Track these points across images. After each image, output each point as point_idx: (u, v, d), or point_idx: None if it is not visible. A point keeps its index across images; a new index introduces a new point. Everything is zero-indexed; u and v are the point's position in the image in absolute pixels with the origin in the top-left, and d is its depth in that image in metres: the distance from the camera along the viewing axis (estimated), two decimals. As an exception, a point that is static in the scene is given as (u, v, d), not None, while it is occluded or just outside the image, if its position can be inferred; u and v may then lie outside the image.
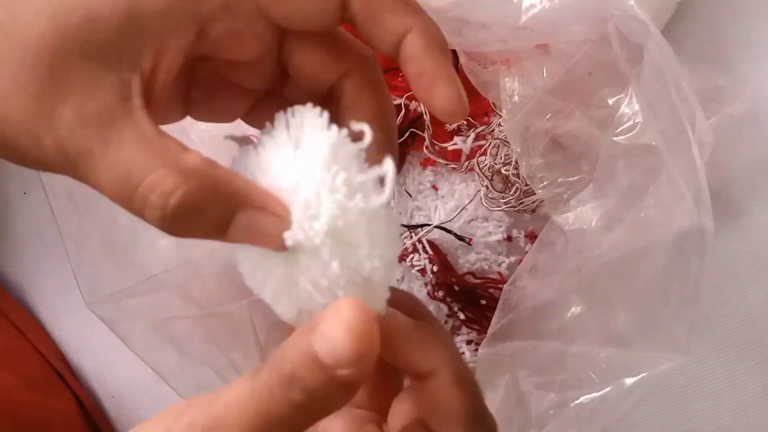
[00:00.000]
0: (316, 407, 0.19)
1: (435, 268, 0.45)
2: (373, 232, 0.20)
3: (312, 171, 0.20)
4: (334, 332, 0.18)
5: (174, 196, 0.18)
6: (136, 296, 0.41)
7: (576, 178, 0.39)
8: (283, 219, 0.20)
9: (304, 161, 0.20)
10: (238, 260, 0.23)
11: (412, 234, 0.46)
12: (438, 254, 0.45)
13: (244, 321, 0.43)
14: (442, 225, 0.45)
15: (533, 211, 0.46)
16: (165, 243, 0.45)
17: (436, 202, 0.47)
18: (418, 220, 0.47)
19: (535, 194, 0.44)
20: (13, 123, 0.19)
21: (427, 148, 0.46)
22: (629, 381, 0.33)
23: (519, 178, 0.44)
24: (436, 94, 0.21)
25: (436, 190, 0.48)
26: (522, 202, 0.44)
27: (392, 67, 0.48)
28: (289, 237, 0.20)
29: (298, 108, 0.22)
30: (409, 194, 0.48)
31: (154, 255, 0.44)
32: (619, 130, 0.35)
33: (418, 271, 0.45)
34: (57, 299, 0.61)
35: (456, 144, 0.46)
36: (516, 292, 0.41)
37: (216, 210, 0.19)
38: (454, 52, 0.46)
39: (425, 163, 0.48)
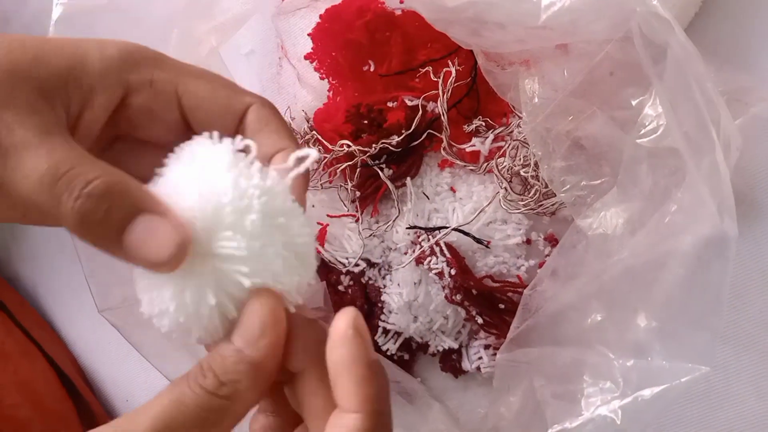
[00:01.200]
0: (227, 392, 0.21)
1: (453, 272, 0.45)
2: (280, 229, 0.23)
3: (214, 179, 0.23)
4: (246, 320, 0.22)
5: (94, 182, 0.21)
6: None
7: (599, 181, 0.39)
8: (181, 229, 0.22)
9: (203, 173, 0.23)
10: (138, 288, 0.25)
11: (430, 236, 0.46)
12: (456, 257, 0.45)
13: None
14: (461, 227, 0.45)
15: (553, 213, 0.46)
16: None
17: (454, 204, 0.48)
18: (435, 222, 0.48)
19: (555, 196, 0.44)
20: None
21: (444, 149, 0.47)
22: (649, 392, 0.32)
23: (538, 180, 0.44)
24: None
25: (454, 192, 0.48)
26: (541, 205, 0.44)
27: (409, 68, 0.48)
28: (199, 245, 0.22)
29: (195, 138, 0.25)
30: (427, 196, 0.48)
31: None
32: (642, 132, 0.34)
33: (435, 274, 0.46)
34: (72, 302, 0.62)
35: (474, 145, 0.46)
36: (536, 297, 0.41)
37: (122, 207, 0.22)
38: (471, 53, 0.46)
39: (442, 164, 0.49)
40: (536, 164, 0.44)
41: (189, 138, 0.26)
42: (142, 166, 0.27)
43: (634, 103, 0.35)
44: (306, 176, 0.26)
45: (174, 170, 0.24)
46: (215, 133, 0.24)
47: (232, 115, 0.27)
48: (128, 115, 0.26)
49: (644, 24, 0.31)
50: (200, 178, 0.23)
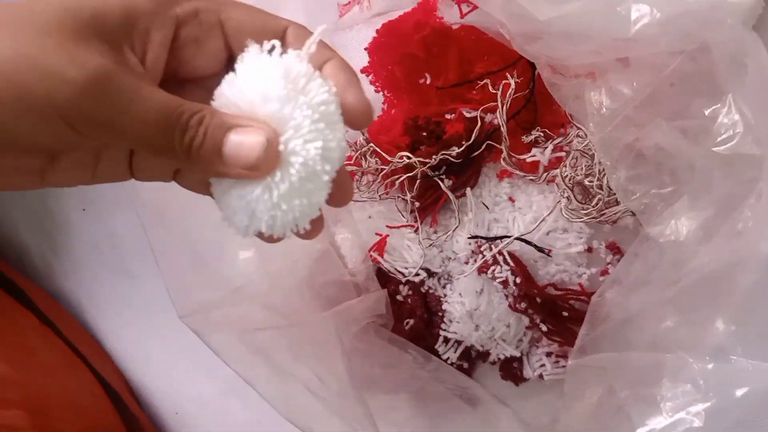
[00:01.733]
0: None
1: (518, 280, 0.46)
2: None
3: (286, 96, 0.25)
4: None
5: (196, 115, 0.25)
6: (224, 307, 0.43)
7: (668, 190, 0.40)
8: (265, 130, 0.25)
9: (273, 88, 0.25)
10: (214, 191, 0.27)
11: (492, 246, 0.48)
12: (520, 266, 0.46)
13: (328, 332, 0.45)
14: (523, 237, 0.47)
15: (614, 222, 0.47)
16: (246, 255, 0.48)
17: (514, 214, 0.49)
18: (495, 231, 0.49)
19: (617, 205, 0.45)
20: (43, 66, 0.23)
21: (504, 160, 0.48)
22: (733, 394, 0.34)
23: (602, 190, 0.45)
24: (348, 100, 0.27)
25: (513, 201, 0.50)
26: (604, 213, 0.46)
27: (466, 80, 0.50)
28: (283, 142, 0.25)
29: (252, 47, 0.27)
30: (486, 206, 0.50)
31: (237, 268, 0.47)
32: (717, 140, 0.36)
33: (499, 282, 0.47)
34: (116, 315, 0.63)
35: (534, 156, 0.48)
36: (605, 304, 0.42)
37: (217, 128, 0.25)
38: (528, 65, 0.48)
39: (501, 175, 0.50)
40: (599, 173, 0.45)
41: (230, 68, 0.28)
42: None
43: (707, 112, 0.37)
44: (346, 65, 0.28)
45: (232, 85, 0.26)
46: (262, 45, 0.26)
47: (272, 35, 0.28)
48: (177, 49, 0.28)
49: (725, 35, 0.32)
50: (255, 85, 0.25)
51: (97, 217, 0.63)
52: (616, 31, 0.33)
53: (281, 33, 0.29)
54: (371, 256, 0.52)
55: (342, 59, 0.29)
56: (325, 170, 0.25)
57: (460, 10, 0.46)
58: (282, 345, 0.43)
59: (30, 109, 0.23)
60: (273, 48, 0.26)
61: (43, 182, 0.28)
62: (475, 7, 0.47)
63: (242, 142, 0.25)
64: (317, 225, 0.29)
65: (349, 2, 0.50)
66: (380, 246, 0.52)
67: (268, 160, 0.25)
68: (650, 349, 0.38)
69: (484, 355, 0.50)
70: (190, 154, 0.25)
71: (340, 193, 0.29)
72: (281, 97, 0.25)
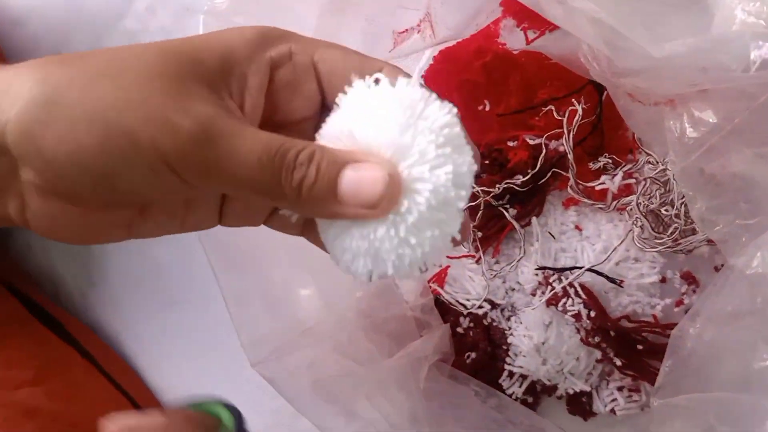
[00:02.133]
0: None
1: (592, 313, 0.45)
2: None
3: (416, 129, 0.23)
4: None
5: (304, 151, 0.23)
6: (295, 351, 0.42)
7: (754, 220, 0.39)
8: (384, 163, 0.23)
9: (400, 120, 0.23)
10: (323, 234, 0.26)
11: (562, 278, 0.46)
12: (593, 298, 0.45)
13: (399, 376, 0.43)
14: (593, 267, 0.45)
15: (690, 251, 0.46)
16: (308, 292, 0.46)
17: (582, 243, 0.48)
18: (563, 262, 0.48)
19: (694, 234, 0.44)
20: (148, 112, 0.22)
21: (571, 187, 0.47)
22: None
23: (679, 219, 0.44)
24: None
25: (580, 230, 0.48)
26: (680, 243, 0.44)
27: (528, 106, 0.49)
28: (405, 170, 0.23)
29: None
30: (552, 236, 0.48)
31: (302, 307, 0.45)
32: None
33: (571, 316, 0.46)
34: (157, 348, 0.61)
35: (603, 183, 0.47)
36: (687, 339, 0.41)
37: (330, 164, 0.23)
38: (594, 90, 0.47)
39: (567, 203, 0.49)
40: (673, 202, 0.44)
41: (324, 113, 0.27)
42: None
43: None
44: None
45: (339, 119, 0.25)
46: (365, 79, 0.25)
47: (367, 75, 0.27)
48: (272, 92, 0.27)
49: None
50: (367, 116, 0.24)
51: (137, 248, 0.62)
52: (732, 71, 0.31)
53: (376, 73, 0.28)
54: (431, 287, 0.50)
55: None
56: (459, 196, 0.23)
57: (526, 36, 0.45)
58: (353, 390, 0.42)
59: (136, 158, 0.22)
60: (378, 81, 0.25)
61: (129, 234, 0.27)
62: (543, 33, 0.46)
63: (361, 178, 0.23)
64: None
65: (406, 30, 0.49)
66: (440, 277, 0.51)
67: (391, 196, 0.23)
68: (744, 389, 0.36)
69: (550, 389, 0.49)
70: (300, 195, 0.23)
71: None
72: (400, 124, 0.23)
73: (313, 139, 0.28)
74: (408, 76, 0.27)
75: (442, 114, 0.24)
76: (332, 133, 0.25)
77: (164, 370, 0.62)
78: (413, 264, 0.24)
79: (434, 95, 0.24)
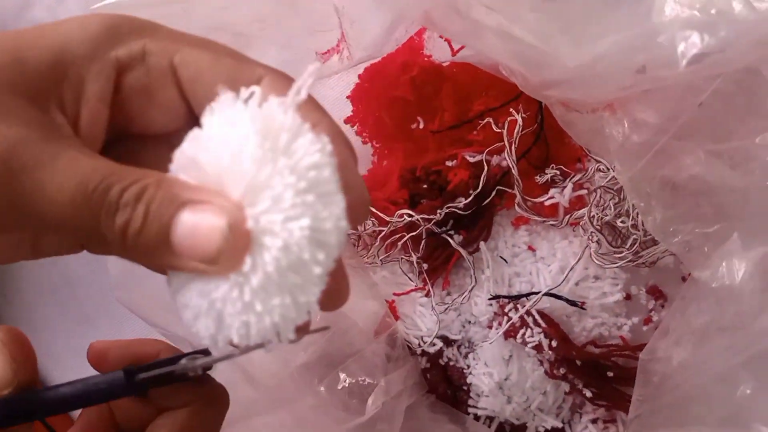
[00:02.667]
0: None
1: (554, 343, 0.41)
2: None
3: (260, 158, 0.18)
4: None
5: (131, 188, 0.19)
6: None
7: (715, 228, 0.35)
8: (226, 208, 0.19)
9: (243, 149, 0.19)
10: (168, 281, 0.21)
11: (518, 306, 0.42)
12: (554, 326, 0.41)
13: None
14: (552, 291, 0.41)
15: (653, 263, 0.42)
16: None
17: (537, 265, 0.44)
18: (519, 287, 0.44)
19: (656, 245, 0.40)
20: None
21: (519, 205, 0.43)
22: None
23: (637, 230, 0.40)
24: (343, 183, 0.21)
25: (533, 251, 0.44)
26: (641, 256, 0.41)
27: (465, 120, 0.45)
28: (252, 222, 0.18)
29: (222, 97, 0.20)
30: (504, 260, 0.44)
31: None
32: (776, 172, 0.31)
33: (532, 348, 0.41)
34: (73, 364, 0.57)
35: (553, 197, 0.43)
36: (658, 364, 0.37)
37: (161, 205, 0.19)
38: (541, 103, 0.43)
39: (517, 222, 0.45)
40: (629, 212, 0.40)
41: (191, 126, 0.22)
42: (149, 164, 0.24)
43: (757, 139, 0.32)
44: (343, 139, 0.22)
45: (196, 142, 0.20)
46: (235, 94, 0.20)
47: (239, 90, 0.22)
48: (122, 100, 0.22)
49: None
50: (225, 142, 0.19)
51: (51, 259, 0.59)
52: (662, 67, 0.28)
53: (254, 84, 0.22)
54: (388, 322, 0.46)
55: (334, 125, 0.22)
56: (317, 259, 0.19)
57: (451, 47, 0.42)
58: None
59: None
60: (251, 95, 0.20)
61: None
62: (467, 41, 0.42)
63: (197, 227, 0.18)
64: (303, 331, 0.21)
65: (328, 51, 0.45)
66: (393, 313, 0.46)
67: (233, 251, 0.18)
68: (724, 423, 0.32)
69: (520, 429, 0.44)
70: (126, 242, 0.19)
71: (332, 290, 0.21)
72: (256, 158, 0.18)
73: None
74: (292, 85, 0.21)
75: (312, 150, 0.19)
76: (187, 159, 0.20)
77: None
78: (261, 333, 0.19)
79: (307, 125, 0.20)
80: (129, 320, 0.44)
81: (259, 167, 0.18)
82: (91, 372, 0.59)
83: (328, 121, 0.22)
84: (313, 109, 0.22)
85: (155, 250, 0.19)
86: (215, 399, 0.25)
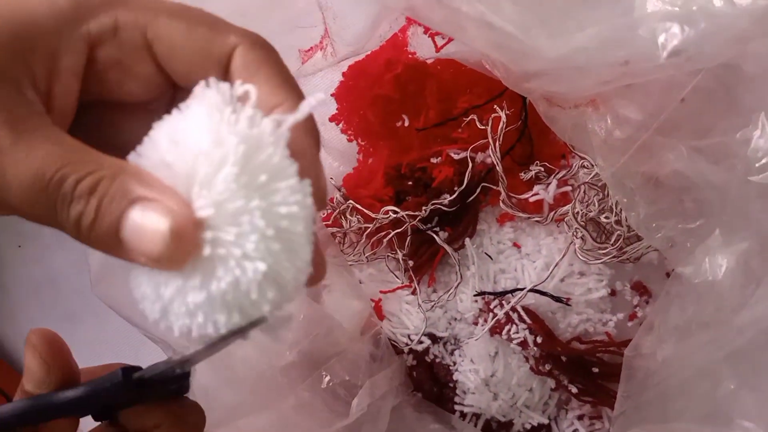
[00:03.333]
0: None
1: (538, 339, 0.41)
2: (260, 191, 0.18)
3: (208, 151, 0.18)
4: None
5: (86, 179, 0.18)
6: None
7: (697, 224, 0.36)
8: (175, 210, 0.18)
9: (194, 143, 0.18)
10: (132, 284, 0.20)
11: (503, 303, 0.42)
12: (538, 322, 0.41)
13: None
14: (536, 287, 0.42)
15: (637, 259, 0.42)
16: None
17: (522, 262, 0.44)
18: (504, 284, 0.44)
19: (639, 241, 0.41)
20: None
21: (503, 201, 0.43)
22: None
23: (620, 225, 0.40)
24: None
25: (518, 248, 0.45)
26: (625, 251, 0.41)
27: (449, 118, 0.45)
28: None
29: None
30: (489, 256, 0.44)
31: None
32: (756, 166, 0.31)
33: (517, 344, 0.42)
34: None
35: (538, 194, 0.43)
36: (642, 360, 0.37)
37: (112, 200, 0.19)
38: (517, 94, 0.43)
39: (502, 219, 0.45)
40: (614, 208, 0.41)
41: (172, 94, 0.22)
42: (126, 131, 0.24)
43: (738, 135, 0.32)
44: (311, 127, 0.21)
45: (160, 129, 0.20)
46: (212, 80, 0.20)
47: (213, 62, 0.22)
48: (97, 73, 0.22)
49: (762, 49, 0.28)
50: (180, 133, 0.19)
51: (34, 255, 0.59)
52: (643, 59, 0.28)
53: (225, 58, 0.22)
54: (373, 321, 0.46)
55: (296, 107, 0.21)
56: (266, 298, 0.18)
57: (435, 43, 0.42)
58: None
59: None
60: (244, 97, 0.19)
61: None
62: (452, 39, 0.42)
63: (143, 225, 0.18)
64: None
65: (312, 48, 0.45)
66: (377, 312, 0.46)
67: (176, 254, 0.18)
68: (709, 419, 0.33)
69: (507, 426, 0.45)
70: (80, 234, 0.19)
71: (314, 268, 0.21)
72: (229, 188, 0.18)
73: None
74: (262, 60, 0.21)
75: (291, 200, 0.18)
76: (150, 151, 0.19)
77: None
78: (202, 339, 0.19)
79: (294, 168, 0.19)
80: (112, 318, 0.44)
81: (230, 197, 0.18)
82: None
83: (292, 101, 0.21)
84: (280, 85, 0.22)
85: (107, 244, 0.19)
86: (188, 417, 0.24)
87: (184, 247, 0.18)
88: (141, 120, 0.22)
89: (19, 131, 0.19)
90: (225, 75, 0.22)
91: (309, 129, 0.22)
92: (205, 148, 0.18)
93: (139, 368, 0.22)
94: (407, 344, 0.45)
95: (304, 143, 0.21)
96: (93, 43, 0.21)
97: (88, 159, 0.19)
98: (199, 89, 0.20)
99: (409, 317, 0.46)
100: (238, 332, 0.19)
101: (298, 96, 0.22)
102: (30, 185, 0.18)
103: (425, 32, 0.43)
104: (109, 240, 0.19)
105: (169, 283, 0.18)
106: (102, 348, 0.55)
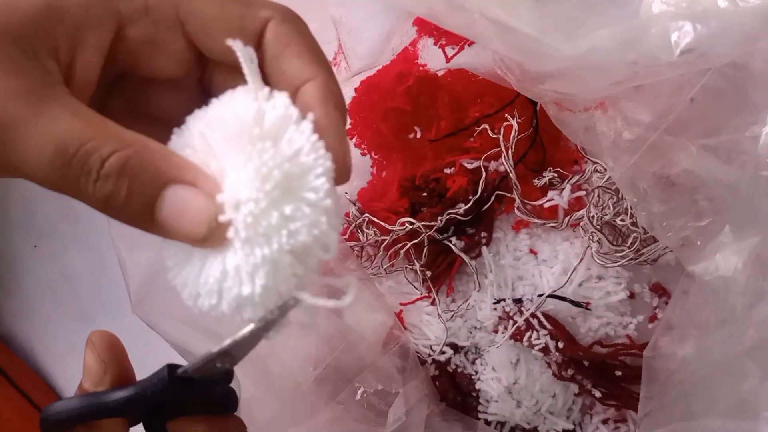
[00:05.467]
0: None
1: (560, 344, 0.42)
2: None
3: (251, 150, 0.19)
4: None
5: (112, 158, 0.19)
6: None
7: (708, 221, 0.37)
8: (214, 199, 0.19)
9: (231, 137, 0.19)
10: (165, 256, 0.22)
11: (522, 309, 0.44)
12: (559, 327, 0.42)
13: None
14: (555, 293, 0.43)
15: (654, 260, 0.43)
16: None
17: (539, 268, 0.45)
18: (522, 291, 0.45)
19: (655, 242, 0.42)
20: None
21: (518, 208, 0.44)
22: None
23: (636, 227, 0.41)
24: (327, 146, 0.21)
25: (535, 254, 0.46)
26: (642, 253, 0.42)
27: (461, 128, 0.47)
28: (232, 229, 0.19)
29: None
30: (507, 264, 0.46)
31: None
32: (767, 161, 0.32)
33: (539, 350, 0.43)
34: (72, 361, 0.59)
35: (552, 200, 0.44)
36: (662, 360, 0.38)
37: (145, 183, 0.19)
38: (528, 102, 0.45)
39: (517, 226, 0.46)
40: (628, 210, 0.42)
41: (204, 68, 0.23)
42: (154, 105, 0.25)
43: (747, 133, 0.33)
44: (338, 102, 0.22)
45: (198, 118, 0.21)
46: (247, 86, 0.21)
47: (247, 38, 0.22)
48: (127, 49, 0.23)
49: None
50: (220, 126, 0.20)
51: (50, 254, 0.60)
52: (655, 57, 0.29)
53: (258, 33, 0.22)
54: (395, 333, 0.47)
55: (327, 83, 0.22)
56: (255, 311, 0.20)
57: (445, 53, 0.43)
58: None
59: None
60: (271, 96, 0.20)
61: None
62: (462, 49, 0.44)
63: (184, 208, 0.19)
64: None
65: (321, 63, 0.47)
66: (401, 324, 0.48)
67: (218, 234, 0.19)
68: (733, 414, 0.33)
69: (532, 433, 0.46)
70: (107, 210, 0.19)
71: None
72: (270, 199, 0.19)
73: (196, 93, 0.24)
74: (297, 32, 0.22)
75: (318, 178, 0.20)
76: (188, 137, 0.21)
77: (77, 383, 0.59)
78: (240, 315, 0.20)
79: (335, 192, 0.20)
80: (126, 316, 0.45)
81: (259, 192, 0.19)
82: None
83: (323, 76, 0.22)
84: (310, 59, 0.22)
85: (138, 222, 0.20)
86: (231, 430, 0.26)
87: (225, 227, 0.19)
88: (170, 94, 0.24)
89: (37, 101, 0.19)
90: (257, 48, 0.22)
91: (337, 104, 0.22)
92: (239, 139, 0.20)
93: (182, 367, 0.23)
94: (429, 355, 0.46)
95: (331, 118, 0.22)
96: (122, 22, 0.22)
97: (111, 134, 0.19)
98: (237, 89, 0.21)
99: (430, 328, 0.47)
100: (275, 319, 0.20)
101: (327, 70, 0.22)
102: (51, 159, 0.19)
103: (435, 43, 0.45)
104: (142, 219, 0.20)
105: (209, 259, 0.20)
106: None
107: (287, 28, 0.22)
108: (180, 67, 0.24)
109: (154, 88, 0.24)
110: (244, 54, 0.20)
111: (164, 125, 0.24)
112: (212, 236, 0.19)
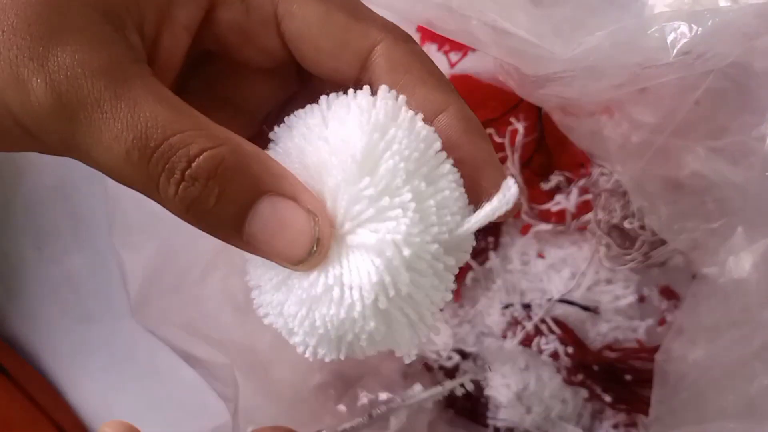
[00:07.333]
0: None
1: (569, 349, 0.43)
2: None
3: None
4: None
5: (202, 157, 0.17)
6: None
7: (719, 223, 0.37)
8: (317, 218, 0.18)
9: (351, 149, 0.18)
10: (250, 276, 0.21)
11: (531, 314, 0.44)
12: (569, 332, 0.43)
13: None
14: (564, 297, 0.43)
15: (663, 263, 0.44)
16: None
17: (548, 272, 0.46)
18: (531, 295, 0.46)
19: (664, 245, 0.42)
20: (5, 68, 0.17)
21: (525, 213, 0.45)
22: None
23: (644, 230, 0.42)
24: (486, 184, 0.20)
25: (543, 258, 0.47)
26: (650, 256, 0.43)
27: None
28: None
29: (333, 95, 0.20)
30: (515, 269, 0.46)
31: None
32: (773, 163, 0.33)
33: (548, 355, 0.43)
34: (76, 364, 0.59)
35: (559, 203, 0.45)
36: (673, 364, 0.39)
37: (239, 190, 0.17)
38: (533, 105, 0.46)
39: (524, 230, 0.47)
40: (636, 213, 0.43)
41: (295, 65, 0.21)
42: (239, 91, 0.23)
43: (753, 133, 0.34)
44: (467, 115, 0.20)
45: (299, 125, 0.20)
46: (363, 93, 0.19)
47: (349, 54, 0.20)
48: (216, 33, 0.21)
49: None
50: (330, 138, 0.19)
51: (53, 257, 0.61)
52: (653, 58, 0.30)
53: (365, 53, 0.20)
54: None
55: (463, 107, 0.20)
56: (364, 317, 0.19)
57: (449, 60, 0.44)
58: None
59: None
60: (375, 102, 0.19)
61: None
62: (465, 54, 0.45)
63: (282, 223, 0.18)
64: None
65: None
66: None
67: (317, 259, 0.18)
68: (744, 416, 0.34)
69: (542, 439, 0.46)
70: (186, 214, 0.18)
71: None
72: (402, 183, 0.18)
73: (289, 82, 0.23)
74: (415, 61, 0.20)
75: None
76: (288, 140, 0.19)
77: (83, 387, 0.60)
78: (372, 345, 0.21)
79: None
80: (129, 319, 0.46)
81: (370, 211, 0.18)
82: (88, 370, 0.61)
83: (456, 105, 0.20)
84: (436, 87, 0.20)
85: (223, 233, 0.18)
86: None
87: (324, 251, 0.18)
88: (259, 82, 0.22)
89: (120, 79, 0.17)
90: (361, 70, 0.21)
91: (482, 133, 0.21)
92: (356, 159, 0.18)
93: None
94: (436, 360, 0.47)
95: (483, 152, 0.20)
96: (215, 2, 0.20)
97: (201, 128, 0.18)
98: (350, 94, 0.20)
99: (437, 333, 0.47)
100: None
101: (456, 96, 0.21)
102: (127, 150, 0.17)
103: (439, 49, 0.46)
104: (229, 230, 0.18)
105: (305, 284, 0.19)
106: (118, 349, 0.57)
107: (403, 51, 0.20)
108: (270, 62, 0.22)
109: (240, 73, 0.23)
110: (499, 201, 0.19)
111: (246, 114, 0.23)
112: (311, 260, 0.18)
